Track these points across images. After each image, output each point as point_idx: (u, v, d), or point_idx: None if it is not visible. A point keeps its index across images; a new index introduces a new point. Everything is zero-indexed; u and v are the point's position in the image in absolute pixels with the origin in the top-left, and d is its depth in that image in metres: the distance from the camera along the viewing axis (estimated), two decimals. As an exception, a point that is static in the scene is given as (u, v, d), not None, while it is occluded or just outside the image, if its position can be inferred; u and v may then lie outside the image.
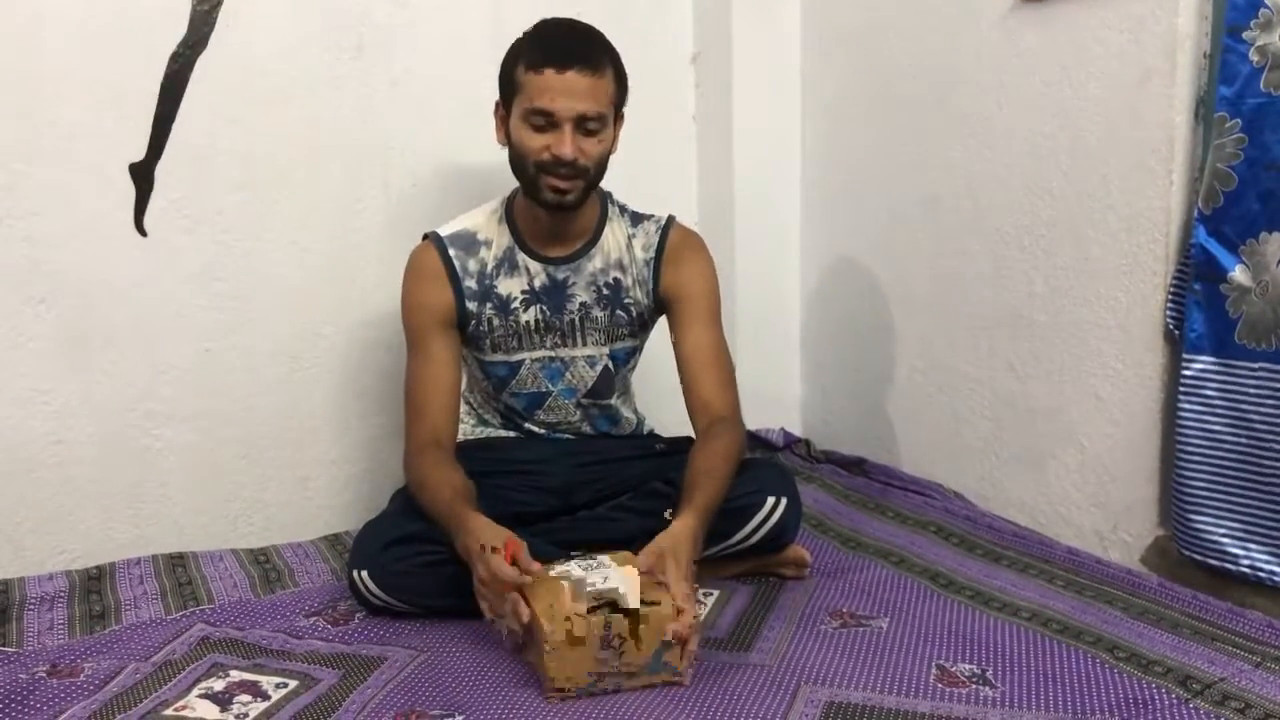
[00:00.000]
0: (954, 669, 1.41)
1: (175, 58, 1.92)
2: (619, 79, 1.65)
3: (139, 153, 1.92)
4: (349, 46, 2.06)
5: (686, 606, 1.35)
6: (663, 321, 1.83)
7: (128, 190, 1.91)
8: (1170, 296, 1.70)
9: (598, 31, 1.66)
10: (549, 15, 1.71)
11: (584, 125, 1.61)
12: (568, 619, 1.33)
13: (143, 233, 1.93)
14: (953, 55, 2.03)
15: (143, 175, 1.92)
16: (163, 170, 1.93)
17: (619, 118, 1.68)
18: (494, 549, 1.41)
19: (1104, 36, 1.74)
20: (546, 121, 1.60)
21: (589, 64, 1.59)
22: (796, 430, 2.48)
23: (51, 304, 1.88)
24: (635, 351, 1.84)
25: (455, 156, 2.17)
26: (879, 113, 2.22)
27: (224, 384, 2.02)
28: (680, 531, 1.46)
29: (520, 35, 1.66)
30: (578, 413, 1.80)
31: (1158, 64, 1.67)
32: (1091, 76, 1.77)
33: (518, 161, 1.66)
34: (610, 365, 1.79)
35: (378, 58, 2.09)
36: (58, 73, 1.84)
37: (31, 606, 1.70)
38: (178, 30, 1.92)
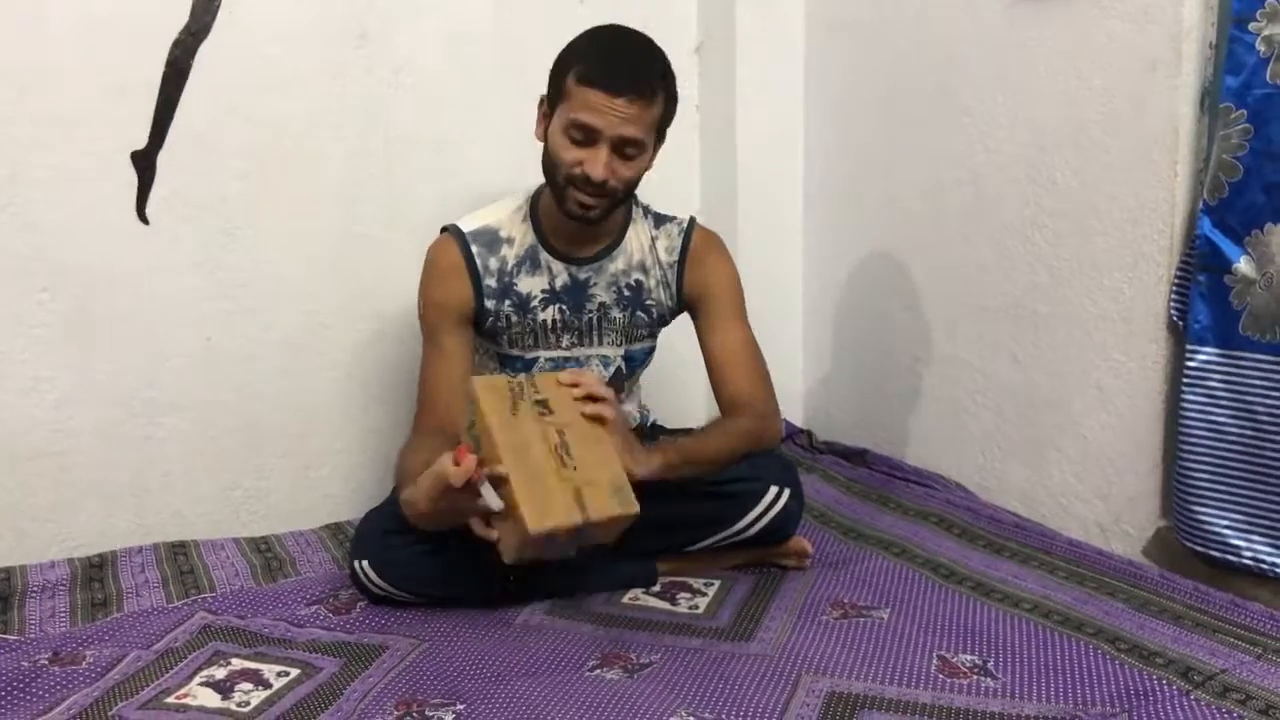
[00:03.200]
0: (955, 660, 1.41)
1: (177, 45, 1.92)
2: (668, 105, 1.62)
3: (141, 141, 1.91)
4: (352, 35, 2.06)
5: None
6: (679, 321, 1.83)
7: (130, 179, 1.91)
8: (1174, 288, 1.70)
9: (660, 54, 1.61)
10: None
11: (622, 149, 1.58)
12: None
13: (145, 221, 1.93)
14: (956, 45, 2.02)
15: (145, 164, 1.92)
16: (165, 159, 1.93)
17: (660, 139, 1.66)
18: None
19: (1109, 27, 1.74)
20: (585, 137, 1.57)
21: (641, 91, 1.56)
22: (799, 421, 2.48)
23: (54, 292, 1.88)
24: (650, 353, 1.84)
25: (458, 146, 2.16)
26: (882, 103, 2.22)
27: (226, 373, 2.02)
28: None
29: (584, 34, 1.61)
30: None
31: (1163, 54, 1.66)
32: (1096, 67, 1.77)
33: (549, 166, 1.63)
34: (623, 366, 1.79)
35: (381, 47, 2.08)
36: (60, 61, 1.84)
37: (33, 594, 1.70)
38: (180, 18, 1.91)
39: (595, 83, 1.55)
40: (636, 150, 1.60)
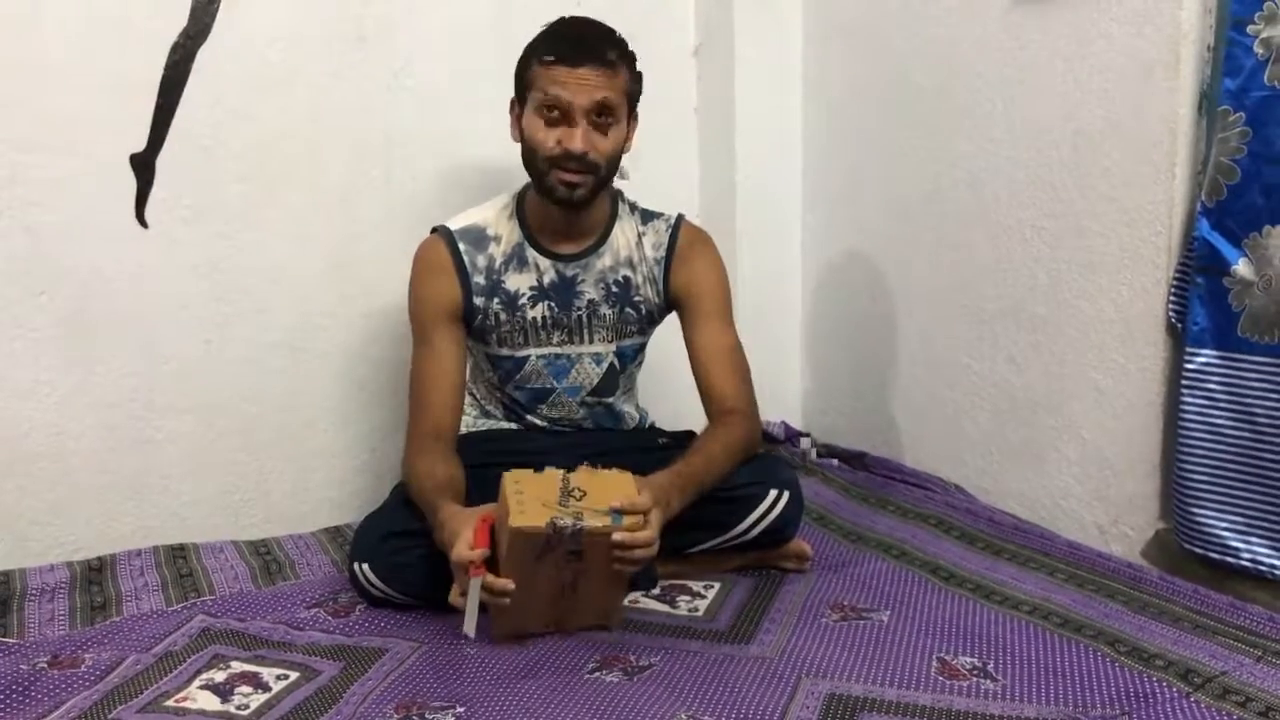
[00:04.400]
0: (955, 662, 1.41)
1: (176, 48, 1.91)
2: (633, 77, 1.66)
3: (140, 143, 1.91)
4: (351, 37, 2.06)
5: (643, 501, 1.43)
6: (670, 318, 1.83)
7: (129, 181, 1.91)
8: (1173, 290, 1.70)
9: (612, 30, 1.67)
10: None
11: (595, 118, 1.61)
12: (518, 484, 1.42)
13: (144, 224, 1.93)
14: (955, 48, 2.02)
15: (144, 166, 1.92)
16: (164, 161, 1.93)
17: (633, 116, 1.69)
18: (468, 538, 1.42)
19: (1107, 29, 1.74)
20: (559, 114, 1.60)
21: (603, 60, 1.60)
22: (798, 423, 2.48)
23: (52, 295, 1.88)
24: (642, 349, 1.84)
25: (456, 148, 2.17)
26: (880, 106, 2.22)
27: (225, 376, 2.02)
28: (652, 478, 1.50)
29: (536, 34, 1.66)
30: (581, 410, 1.81)
31: (1161, 57, 1.66)
32: (1094, 70, 1.77)
33: (529, 156, 1.66)
34: (616, 363, 1.79)
35: (379, 49, 2.08)
36: (58, 63, 1.84)
37: (32, 597, 1.70)
38: (179, 20, 1.91)
39: (558, 58, 1.60)
40: (610, 119, 1.63)
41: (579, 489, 1.42)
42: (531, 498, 1.40)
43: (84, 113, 1.86)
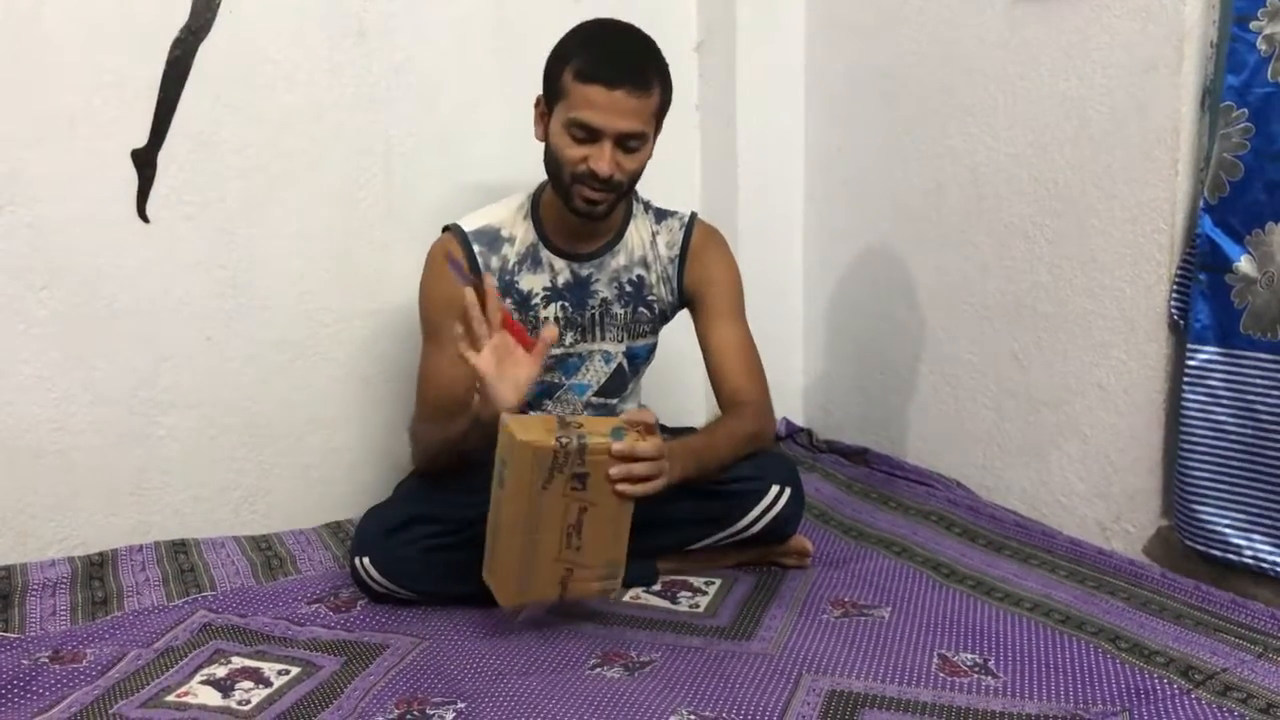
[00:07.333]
0: (956, 658, 1.41)
1: (178, 44, 1.91)
2: (665, 93, 1.62)
3: (141, 139, 1.91)
4: (351, 33, 2.05)
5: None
6: (680, 316, 1.83)
7: (130, 177, 1.91)
8: (1175, 287, 1.69)
9: (651, 43, 1.62)
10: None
11: (625, 143, 1.58)
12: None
13: (145, 220, 1.93)
14: (957, 44, 2.02)
15: (145, 162, 1.92)
16: (165, 157, 1.93)
17: (659, 128, 1.66)
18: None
19: (1110, 25, 1.74)
20: (587, 135, 1.57)
21: (639, 84, 1.56)
22: (799, 420, 2.48)
23: (54, 291, 1.88)
24: (652, 350, 1.83)
25: (457, 144, 2.16)
26: (883, 102, 2.21)
27: (226, 372, 2.02)
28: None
29: (573, 32, 1.62)
30: (585, 411, 1.80)
31: (1164, 53, 1.66)
32: (1097, 66, 1.76)
33: (553, 165, 1.63)
34: (625, 364, 1.79)
35: (380, 45, 2.08)
36: (60, 59, 1.84)
37: (34, 592, 1.70)
38: (180, 16, 1.91)
39: (593, 78, 1.55)
40: (639, 142, 1.60)
41: (576, 421, 1.44)
42: (534, 425, 1.42)
43: (85, 108, 1.86)
